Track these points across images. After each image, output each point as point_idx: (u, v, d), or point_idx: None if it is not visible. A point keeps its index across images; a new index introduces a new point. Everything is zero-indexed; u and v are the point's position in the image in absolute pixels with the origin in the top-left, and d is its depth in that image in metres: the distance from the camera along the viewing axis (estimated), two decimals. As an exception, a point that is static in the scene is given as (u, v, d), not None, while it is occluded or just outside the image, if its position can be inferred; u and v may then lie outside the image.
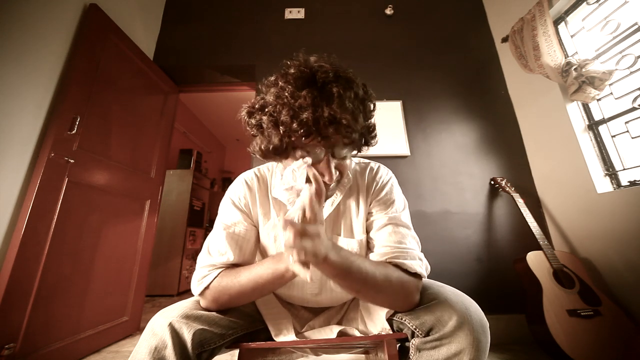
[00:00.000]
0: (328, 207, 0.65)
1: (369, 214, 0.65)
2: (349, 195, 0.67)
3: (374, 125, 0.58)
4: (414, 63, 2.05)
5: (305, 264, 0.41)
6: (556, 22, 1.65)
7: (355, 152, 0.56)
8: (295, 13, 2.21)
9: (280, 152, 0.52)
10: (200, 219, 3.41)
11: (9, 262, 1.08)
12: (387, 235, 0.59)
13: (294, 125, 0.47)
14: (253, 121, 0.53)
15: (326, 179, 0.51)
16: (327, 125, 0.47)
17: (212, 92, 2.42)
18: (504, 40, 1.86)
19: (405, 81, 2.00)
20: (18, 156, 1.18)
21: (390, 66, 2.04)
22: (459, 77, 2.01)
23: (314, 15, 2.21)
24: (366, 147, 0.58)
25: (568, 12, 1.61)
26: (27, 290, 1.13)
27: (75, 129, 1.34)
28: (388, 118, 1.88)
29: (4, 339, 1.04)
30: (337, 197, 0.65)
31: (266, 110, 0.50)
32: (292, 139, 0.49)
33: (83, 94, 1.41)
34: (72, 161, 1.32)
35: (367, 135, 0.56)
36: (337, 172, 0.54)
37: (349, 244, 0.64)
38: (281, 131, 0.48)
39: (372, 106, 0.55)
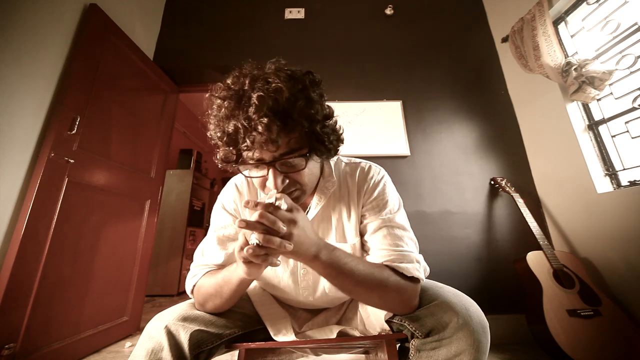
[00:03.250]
0: (312, 213, 0.63)
1: (362, 216, 0.62)
2: (338, 199, 0.64)
3: (328, 129, 0.53)
4: (414, 63, 2.05)
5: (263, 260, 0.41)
6: (556, 22, 1.65)
7: (309, 161, 0.52)
8: (295, 13, 2.21)
9: (229, 162, 0.52)
10: (200, 219, 3.41)
11: (9, 262, 1.08)
12: (382, 238, 0.56)
13: (219, 135, 0.48)
14: (208, 134, 0.53)
15: (273, 187, 0.49)
16: (246, 133, 0.45)
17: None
18: (504, 40, 1.86)
19: (405, 81, 2.00)
20: (18, 156, 1.18)
21: (390, 66, 2.04)
22: (459, 77, 2.01)
23: (314, 15, 2.21)
24: (329, 153, 0.54)
25: (568, 12, 1.61)
26: (27, 290, 1.13)
27: (75, 129, 1.34)
28: (388, 118, 1.88)
29: (4, 339, 1.04)
30: (320, 201, 0.63)
31: (211, 123, 0.51)
32: (227, 149, 0.49)
33: (83, 94, 1.41)
34: (72, 161, 1.32)
35: (315, 142, 0.51)
36: (290, 181, 0.51)
37: (338, 242, 0.63)
38: (220, 143, 0.49)
39: (315, 109, 0.49)
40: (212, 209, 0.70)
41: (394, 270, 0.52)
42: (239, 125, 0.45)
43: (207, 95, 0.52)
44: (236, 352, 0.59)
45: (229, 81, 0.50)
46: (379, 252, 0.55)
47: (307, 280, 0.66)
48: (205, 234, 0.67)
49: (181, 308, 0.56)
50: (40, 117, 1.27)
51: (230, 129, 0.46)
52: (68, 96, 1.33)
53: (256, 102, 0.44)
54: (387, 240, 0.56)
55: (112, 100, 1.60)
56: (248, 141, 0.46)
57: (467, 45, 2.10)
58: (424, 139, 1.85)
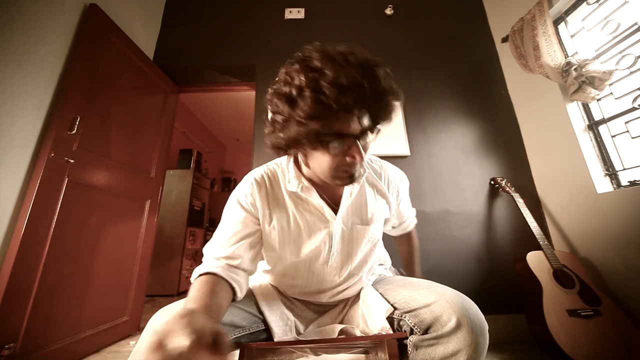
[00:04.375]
0: (347, 198, 0.66)
1: (389, 204, 0.75)
2: (368, 185, 0.71)
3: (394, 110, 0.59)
4: (414, 63, 2.05)
5: None
6: (556, 22, 1.64)
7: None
8: (295, 13, 2.21)
9: (311, 138, 0.50)
10: (200, 219, 3.41)
11: (9, 262, 1.08)
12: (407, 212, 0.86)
13: (342, 98, 0.45)
14: (284, 104, 0.50)
15: (357, 160, 0.53)
16: (372, 99, 0.49)
17: (212, 92, 2.42)
18: (504, 40, 1.86)
19: (405, 81, 2.00)
20: (18, 156, 1.18)
21: (390, 66, 2.03)
22: (459, 77, 2.01)
23: (314, 15, 2.21)
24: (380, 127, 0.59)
25: (568, 12, 1.61)
26: (27, 290, 1.13)
27: (75, 129, 1.34)
28: (388, 118, 1.88)
29: (4, 339, 1.04)
30: (354, 187, 0.66)
31: (305, 89, 0.47)
32: (331, 118, 0.47)
33: (83, 94, 1.41)
34: (72, 161, 1.32)
35: (384, 120, 0.56)
36: (365, 153, 0.55)
37: (364, 230, 0.69)
38: (323, 107, 0.46)
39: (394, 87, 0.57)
40: (212, 209, 0.72)
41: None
42: (362, 95, 0.47)
43: (295, 66, 0.50)
44: (236, 352, 0.59)
45: (322, 54, 0.49)
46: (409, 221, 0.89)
47: (336, 266, 0.69)
48: (205, 234, 0.68)
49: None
50: (40, 117, 1.27)
51: (344, 101, 0.46)
52: (68, 96, 1.33)
53: (378, 75, 0.49)
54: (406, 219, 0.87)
55: (112, 100, 1.60)
56: (368, 110, 0.49)
57: (467, 45, 2.10)
58: (424, 139, 1.85)
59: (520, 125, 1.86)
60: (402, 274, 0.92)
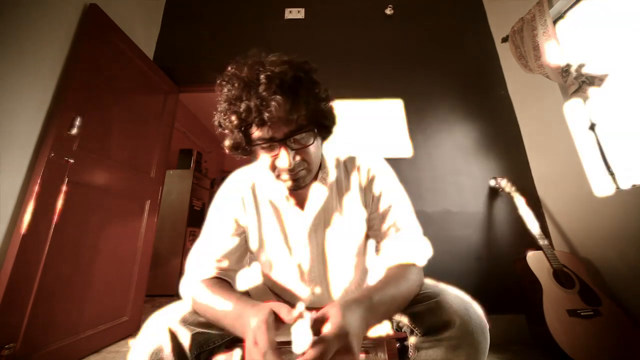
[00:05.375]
0: (314, 202, 0.64)
1: (365, 206, 0.66)
2: (338, 189, 0.66)
3: (329, 109, 0.57)
4: (414, 63, 2.05)
5: None
6: (556, 22, 1.64)
7: (315, 139, 0.55)
8: (295, 13, 2.22)
9: (239, 148, 0.55)
10: (200, 219, 3.41)
11: (9, 262, 1.08)
12: (390, 235, 0.62)
13: (233, 117, 0.49)
14: (216, 123, 0.56)
15: (285, 166, 0.51)
16: (261, 110, 0.47)
17: (212, 92, 2.40)
18: (504, 40, 1.86)
19: (406, 81, 2.00)
20: (18, 156, 1.18)
21: (390, 66, 2.04)
22: (459, 77, 2.01)
23: (314, 15, 2.21)
24: (328, 133, 0.60)
25: (568, 11, 1.61)
26: (27, 290, 1.13)
27: (75, 129, 1.34)
28: (388, 118, 1.88)
29: (4, 339, 1.04)
30: (323, 194, 0.64)
31: (219, 110, 0.53)
32: (240, 132, 0.51)
33: (83, 94, 1.41)
34: (72, 161, 1.32)
35: (320, 119, 0.55)
36: (299, 158, 0.53)
37: (336, 235, 0.65)
38: (231, 127, 0.51)
39: (318, 89, 0.54)
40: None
41: (409, 264, 0.58)
42: (251, 105, 0.47)
43: (217, 86, 0.54)
44: (237, 352, 0.59)
45: (232, 68, 0.52)
46: (391, 251, 0.61)
47: (314, 277, 0.67)
48: (205, 234, 0.68)
49: (182, 308, 0.55)
50: (40, 117, 1.27)
51: (241, 109, 0.48)
52: (68, 96, 1.33)
53: (265, 81, 0.47)
54: (394, 239, 0.62)
55: (112, 100, 1.60)
56: (260, 120, 0.47)
57: (467, 45, 2.10)
58: (424, 140, 1.85)
59: (520, 125, 1.86)
60: None
